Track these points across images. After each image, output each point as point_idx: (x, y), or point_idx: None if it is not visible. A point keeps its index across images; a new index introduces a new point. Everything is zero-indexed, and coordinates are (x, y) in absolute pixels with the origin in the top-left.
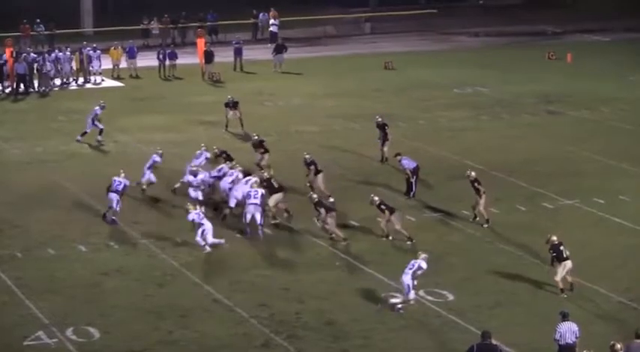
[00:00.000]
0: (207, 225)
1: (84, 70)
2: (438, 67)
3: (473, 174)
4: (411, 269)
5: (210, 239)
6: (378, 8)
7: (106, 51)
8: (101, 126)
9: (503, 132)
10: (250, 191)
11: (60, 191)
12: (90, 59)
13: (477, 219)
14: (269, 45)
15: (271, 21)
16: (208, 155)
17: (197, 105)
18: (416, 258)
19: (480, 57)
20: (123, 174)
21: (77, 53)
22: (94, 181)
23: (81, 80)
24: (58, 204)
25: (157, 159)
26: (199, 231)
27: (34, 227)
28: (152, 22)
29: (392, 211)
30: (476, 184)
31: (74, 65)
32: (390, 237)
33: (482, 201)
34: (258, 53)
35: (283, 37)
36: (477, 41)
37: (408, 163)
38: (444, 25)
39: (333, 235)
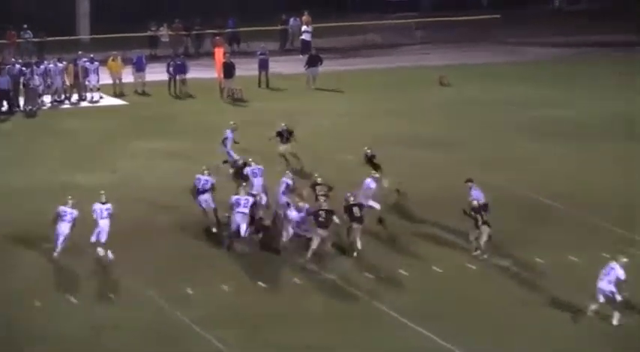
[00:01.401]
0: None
1: (78, 85)
2: (501, 82)
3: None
4: (606, 275)
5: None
6: (429, 13)
7: (104, 62)
8: (233, 155)
9: (583, 162)
10: (240, 199)
11: (47, 230)
12: (86, 72)
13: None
14: (301, 56)
15: (303, 27)
16: (290, 182)
17: (213, 128)
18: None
19: (551, 71)
20: (70, 202)
21: (71, 65)
22: (89, 217)
23: (75, 97)
24: (45, 246)
25: (289, 182)
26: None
27: (15, 273)
28: (161, 29)
29: (359, 221)
30: (474, 213)
31: (67, 79)
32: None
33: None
34: (288, 66)
35: (317, 46)
36: (547, 52)
37: (477, 195)
38: (507, 33)
39: (355, 245)
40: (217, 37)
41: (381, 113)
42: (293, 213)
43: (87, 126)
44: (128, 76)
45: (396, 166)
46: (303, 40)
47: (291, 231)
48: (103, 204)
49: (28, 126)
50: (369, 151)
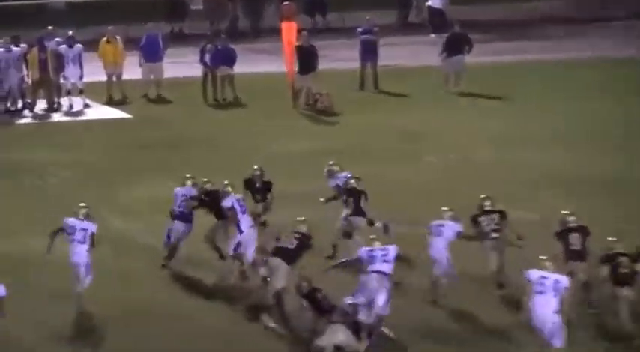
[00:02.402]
0: None
1: (47, 84)
2: None
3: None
4: None
5: None
6: None
7: (92, 45)
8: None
9: None
10: (375, 251)
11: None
12: (61, 62)
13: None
14: (432, 35)
15: None
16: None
17: (280, 162)
18: None
19: None
20: (83, 212)
21: (34, 49)
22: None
23: (42, 104)
24: None
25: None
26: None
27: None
28: None
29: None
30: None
31: (29, 74)
32: None
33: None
34: (410, 52)
35: (461, 20)
36: None
37: None
38: None
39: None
40: (287, 3)
41: (573, 136)
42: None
43: (59, 160)
44: (133, 69)
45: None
46: (431, 8)
47: None
48: (82, 220)
49: None
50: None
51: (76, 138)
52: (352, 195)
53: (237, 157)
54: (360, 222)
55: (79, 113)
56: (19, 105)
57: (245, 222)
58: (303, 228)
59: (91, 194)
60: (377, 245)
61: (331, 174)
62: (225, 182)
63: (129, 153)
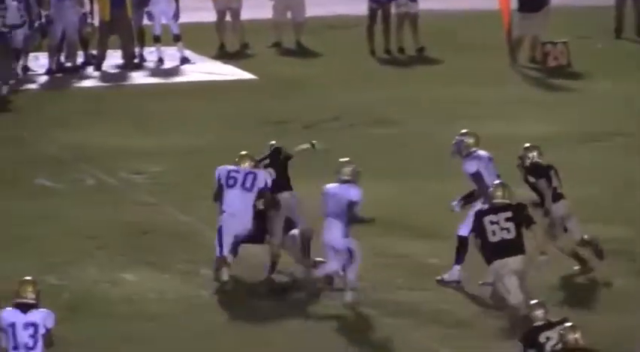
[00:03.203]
0: None
1: (124, 28)
2: None
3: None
4: None
5: None
6: None
7: None
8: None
9: None
10: None
11: None
12: None
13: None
14: None
15: None
16: None
17: (506, 150)
18: None
19: None
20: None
21: None
22: None
23: (114, 60)
24: None
25: None
26: None
27: None
28: None
29: None
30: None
31: (93, 13)
32: None
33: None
34: None
35: None
36: None
37: None
38: None
39: None
40: None
41: None
42: None
43: (144, 147)
44: (258, 4)
45: None
46: None
47: None
48: (24, 311)
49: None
50: None
51: (170, 110)
52: None
53: (430, 154)
54: None
55: (174, 72)
56: (79, 59)
57: None
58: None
59: (200, 203)
60: None
61: None
62: None
63: (254, 134)
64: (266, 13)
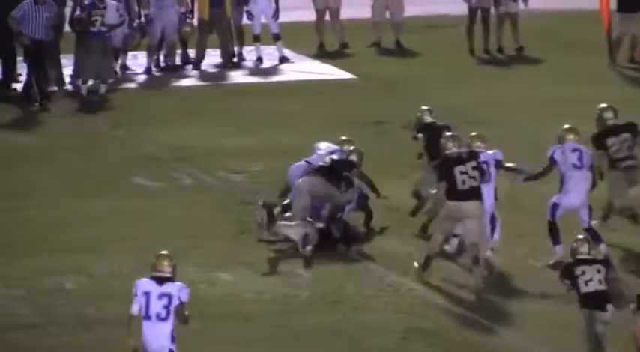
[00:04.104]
0: None
1: (223, 28)
2: None
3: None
4: None
5: None
6: None
7: None
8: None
9: None
10: None
11: None
12: None
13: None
14: None
15: None
16: None
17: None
18: None
19: None
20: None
21: None
22: None
23: (213, 60)
24: None
25: None
26: None
27: None
28: None
29: None
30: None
31: (193, 12)
32: None
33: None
34: None
35: None
36: None
37: None
38: None
39: None
40: None
41: None
42: None
43: (245, 146)
44: (358, 3)
45: None
46: None
47: None
48: (160, 283)
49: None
50: None
51: (268, 110)
52: None
53: (527, 150)
54: None
55: (273, 71)
56: (178, 59)
57: None
58: None
59: None
60: None
61: None
62: None
63: (352, 133)
64: (365, 12)
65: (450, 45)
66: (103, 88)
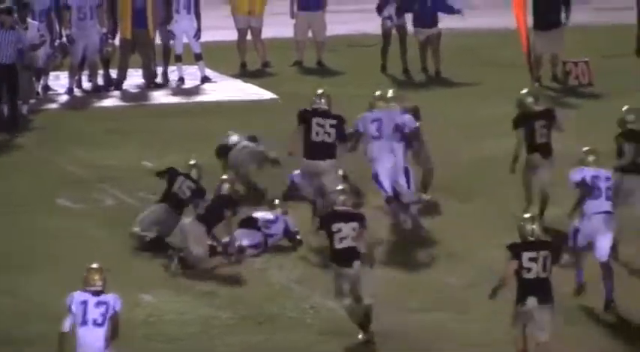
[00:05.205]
0: None
1: (146, 47)
2: None
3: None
4: None
5: None
6: None
7: None
8: None
9: None
10: None
11: None
12: (165, 9)
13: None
14: None
15: None
16: None
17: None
18: None
19: None
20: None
21: None
22: None
23: (135, 80)
24: None
25: None
26: None
27: None
28: None
29: None
30: None
31: (114, 31)
32: None
33: None
34: None
35: None
36: None
37: None
38: None
39: None
40: None
41: None
42: None
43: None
44: (279, 22)
45: None
46: None
47: None
48: (95, 295)
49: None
50: None
51: (192, 129)
52: None
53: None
54: None
55: (196, 91)
56: (100, 80)
57: None
58: None
59: None
60: None
61: None
62: None
63: (277, 153)
64: (287, 31)
65: (372, 64)
66: (24, 109)
